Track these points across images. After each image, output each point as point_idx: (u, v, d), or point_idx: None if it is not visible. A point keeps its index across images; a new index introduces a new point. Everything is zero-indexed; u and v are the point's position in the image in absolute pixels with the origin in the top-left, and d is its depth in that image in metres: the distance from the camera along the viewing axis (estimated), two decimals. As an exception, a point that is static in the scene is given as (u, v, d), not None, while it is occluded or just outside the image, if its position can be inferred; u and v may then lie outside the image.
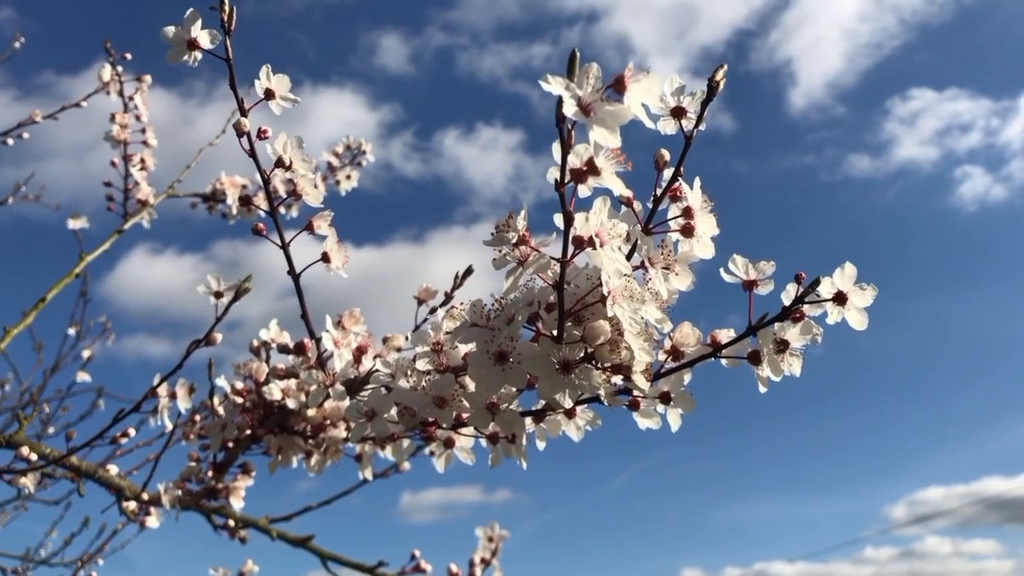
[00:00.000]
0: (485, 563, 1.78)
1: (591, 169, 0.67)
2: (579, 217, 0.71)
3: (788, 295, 0.83)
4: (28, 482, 1.59)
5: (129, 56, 2.25)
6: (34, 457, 1.49)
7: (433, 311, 1.41)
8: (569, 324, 0.79)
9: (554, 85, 0.60)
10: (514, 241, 0.77)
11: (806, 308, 0.83)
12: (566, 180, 0.67)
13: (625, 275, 0.74)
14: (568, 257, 0.72)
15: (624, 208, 0.83)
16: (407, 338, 1.33)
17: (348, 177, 2.46)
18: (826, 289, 0.83)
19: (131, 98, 2.21)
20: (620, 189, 0.70)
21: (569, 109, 0.60)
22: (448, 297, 1.42)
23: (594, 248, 0.71)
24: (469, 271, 1.43)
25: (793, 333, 0.85)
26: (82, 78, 2.34)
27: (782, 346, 0.84)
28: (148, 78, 2.27)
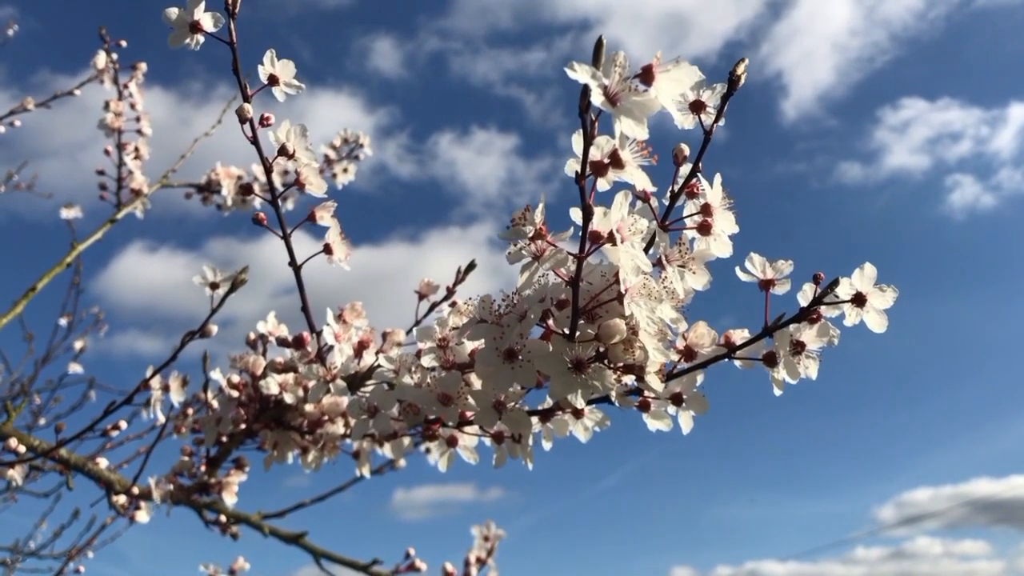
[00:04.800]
0: (481, 562, 1.76)
1: (615, 162, 0.65)
2: (598, 212, 0.68)
3: (805, 296, 0.81)
4: (16, 474, 1.56)
5: (124, 43, 2.21)
6: (22, 449, 1.46)
7: (434, 306, 1.38)
8: (582, 322, 0.77)
9: (580, 73, 0.58)
10: (531, 235, 0.74)
11: (823, 309, 0.81)
12: (586, 173, 0.65)
13: (643, 273, 0.72)
14: (586, 253, 0.70)
15: (640, 203, 0.81)
16: (408, 334, 1.31)
17: (345, 170, 2.43)
18: (844, 290, 0.81)
19: (126, 86, 2.17)
20: (644, 183, 0.68)
21: (596, 98, 0.58)
22: (450, 292, 1.39)
23: (613, 244, 0.69)
24: (472, 266, 1.40)
25: (810, 335, 0.83)
26: (80, 77, 2.30)
27: (798, 348, 0.82)
28: (143, 66, 2.23)
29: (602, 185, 0.71)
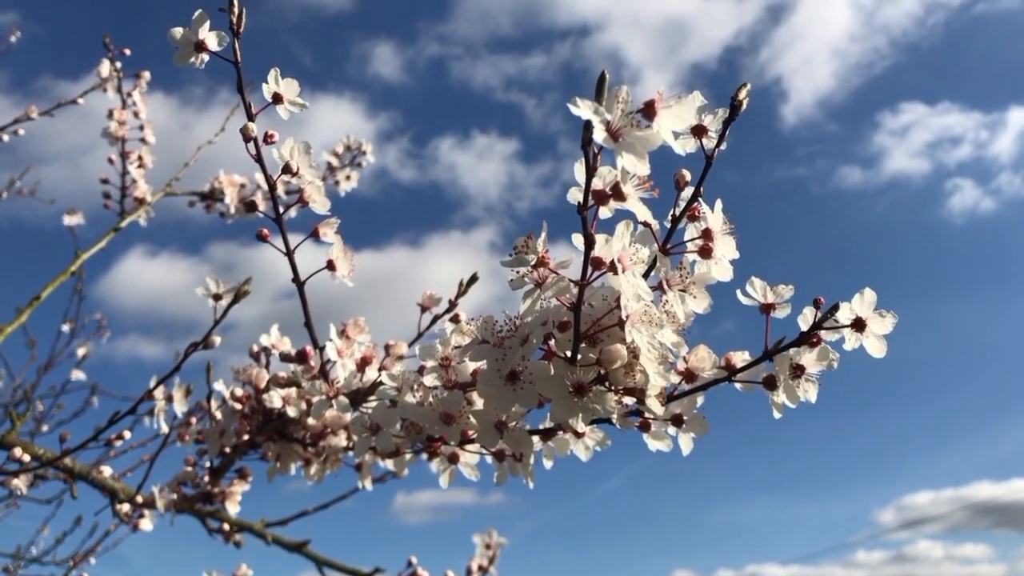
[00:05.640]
0: (482, 570, 1.77)
1: (616, 194, 0.65)
2: (600, 239, 0.69)
3: (806, 320, 0.82)
4: (20, 483, 1.56)
5: (128, 52, 2.22)
6: (27, 458, 1.47)
7: (436, 319, 1.39)
8: (583, 346, 0.78)
9: (583, 109, 0.59)
10: (533, 263, 0.75)
11: (823, 333, 0.82)
12: (589, 204, 0.66)
13: (644, 300, 0.72)
14: (588, 280, 0.71)
15: (641, 227, 0.81)
16: (410, 347, 1.31)
17: (348, 178, 2.43)
18: (844, 315, 0.81)
19: (129, 95, 2.17)
20: (645, 215, 0.68)
21: (599, 135, 0.58)
22: (452, 305, 1.39)
23: (615, 272, 0.69)
24: (474, 279, 1.40)
25: (810, 358, 0.83)
26: (81, 83, 2.31)
27: (798, 371, 0.83)
28: (147, 74, 2.24)
29: (604, 213, 0.72)
